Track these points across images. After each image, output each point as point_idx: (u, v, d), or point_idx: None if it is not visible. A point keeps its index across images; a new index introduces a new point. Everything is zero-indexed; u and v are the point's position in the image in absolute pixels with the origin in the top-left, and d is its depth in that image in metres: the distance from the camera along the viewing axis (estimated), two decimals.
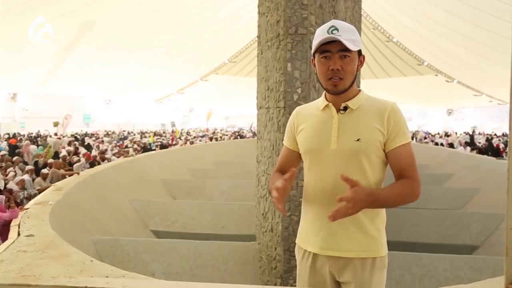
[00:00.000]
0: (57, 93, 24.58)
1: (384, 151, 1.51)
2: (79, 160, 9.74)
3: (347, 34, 1.43)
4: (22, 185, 6.61)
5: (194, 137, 22.36)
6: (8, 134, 19.30)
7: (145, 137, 21.68)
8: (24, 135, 19.52)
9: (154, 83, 25.35)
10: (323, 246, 1.54)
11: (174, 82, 26.65)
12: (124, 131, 27.14)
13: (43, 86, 21.59)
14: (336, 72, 1.45)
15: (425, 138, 23.01)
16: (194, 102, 35.79)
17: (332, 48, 1.44)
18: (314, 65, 1.55)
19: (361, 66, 1.55)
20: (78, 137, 19.40)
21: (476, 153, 12.73)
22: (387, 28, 20.20)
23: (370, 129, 1.48)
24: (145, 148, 14.26)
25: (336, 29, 1.43)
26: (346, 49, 1.43)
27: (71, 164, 9.35)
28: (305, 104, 1.74)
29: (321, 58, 1.48)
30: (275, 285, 3.28)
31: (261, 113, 3.69)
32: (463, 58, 19.18)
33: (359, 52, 1.50)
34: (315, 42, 1.48)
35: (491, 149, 14.51)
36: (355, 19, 3.89)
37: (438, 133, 27.20)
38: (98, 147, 14.27)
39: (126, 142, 17.54)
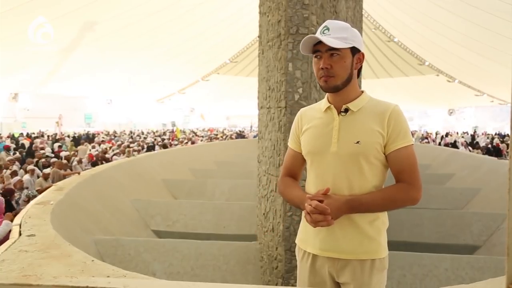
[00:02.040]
0: (58, 93, 24.61)
1: (384, 154, 1.51)
2: (81, 161, 9.75)
3: (337, 33, 1.45)
4: (20, 185, 6.60)
5: (202, 137, 22.77)
6: (22, 133, 20.06)
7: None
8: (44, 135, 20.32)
9: (155, 83, 25.35)
10: (322, 247, 1.54)
11: (175, 82, 26.64)
12: (124, 131, 27.19)
13: (44, 86, 21.60)
14: (326, 70, 1.47)
15: (426, 138, 22.94)
16: (195, 102, 35.79)
17: (321, 47, 1.48)
18: None
19: (359, 64, 1.55)
20: (76, 136, 19.63)
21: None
22: (388, 28, 20.16)
23: (370, 132, 1.48)
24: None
25: (328, 28, 1.46)
26: (334, 47, 1.44)
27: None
28: (309, 106, 1.74)
29: (314, 58, 1.52)
30: (276, 285, 3.28)
31: (262, 113, 3.69)
32: (465, 58, 19.14)
33: (354, 49, 1.50)
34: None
35: (491, 150, 14.48)
36: (356, 19, 3.89)
37: (437, 132, 27.11)
38: (93, 147, 14.29)
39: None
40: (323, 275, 1.57)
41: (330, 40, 1.43)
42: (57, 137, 19.10)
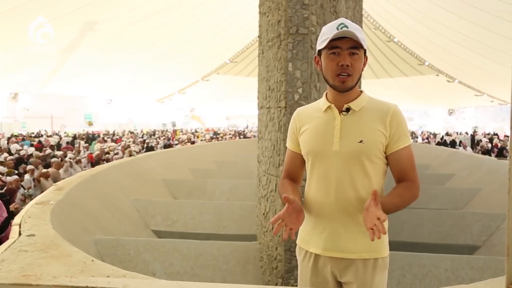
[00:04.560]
0: (58, 93, 24.60)
1: (385, 153, 1.51)
2: (80, 161, 9.75)
3: (356, 32, 1.44)
4: (16, 184, 6.59)
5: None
6: (32, 133, 20.43)
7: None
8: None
9: (155, 83, 25.35)
10: (326, 247, 1.54)
11: (175, 82, 26.64)
12: (124, 130, 27.21)
13: (44, 86, 21.59)
14: (346, 68, 1.45)
15: (427, 139, 22.95)
16: (195, 102, 35.77)
17: (342, 44, 1.45)
18: (317, 63, 1.55)
19: (364, 67, 1.56)
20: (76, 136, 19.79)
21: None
22: (388, 28, 20.14)
23: (373, 131, 1.48)
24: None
25: (346, 26, 1.44)
26: (356, 46, 1.44)
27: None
28: (306, 105, 1.73)
29: (330, 54, 1.48)
30: (276, 285, 3.28)
31: (262, 113, 3.69)
32: (465, 58, 19.12)
33: (365, 52, 1.51)
34: (324, 38, 1.47)
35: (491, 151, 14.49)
36: (356, 19, 3.89)
37: (434, 134, 27.09)
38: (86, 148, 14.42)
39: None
40: (326, 275, 1.57)
41: (359, 39, 1.42)
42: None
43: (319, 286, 1.58)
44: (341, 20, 1.48)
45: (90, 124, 24.89)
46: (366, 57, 1.54)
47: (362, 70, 1.54)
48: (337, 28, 1.44)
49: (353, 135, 1.49)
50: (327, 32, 1.47)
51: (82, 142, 15.94)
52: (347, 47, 1.45)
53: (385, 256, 1.55)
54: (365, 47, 1.47)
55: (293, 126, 1.68)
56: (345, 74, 1.46)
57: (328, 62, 1.49)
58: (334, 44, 1.45)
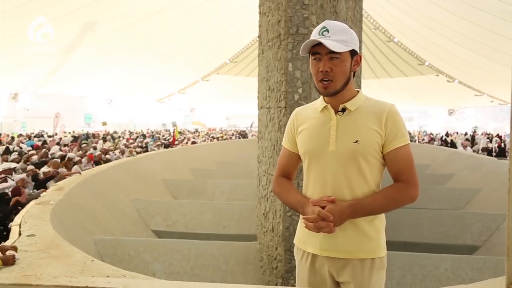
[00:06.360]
0: (58, 93, 24.61)
1: (382, 153, 1.51)
2: (80, 161, 9.74)
3: (337, 35, 1.43)
4: (22, 184, 6.58)
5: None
6: (33, 133, 20.28)
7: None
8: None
9: (155, 83, 25.36)
10: (322, 247, 1.54)
11: (175, 82, 26.65)
12: (124, 131, 27.21)
13: (44, 86, 21.60)
14: (326, 73, 1.45)
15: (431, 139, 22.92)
16: (195, 102, 35.80)
17: (321, 50, 1.45)
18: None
19: (357, 66, 1.54)
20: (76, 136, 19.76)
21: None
22: (388, 28, 20.14)
23: (368, 131, 1.48)
24: None
25: (327, 30, 1.44)
26: (334, 51, 1.43)
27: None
28: (304, 105, 1.74)
29: (313, 60, 1.49)
30: (276, 285, 3.28)
31: (262, 113, 3.69)
32: (465, 58, 19.13)
33: (353, 52, 1.50)
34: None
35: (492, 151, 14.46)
36: (356, 19, 3.89)
37: (426, 133, 27.09)
38: (95, 147, 14.37)
39: None
40: (323, 274, 1.57)
41: (332, 44, 1.40)
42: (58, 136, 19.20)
43: (317, 286, 1.59)
44: (324, 23, 1.47)
45: (104, 124, 24.96)
46: (358, 56, 1.53)
47: (353, 70, 1.53)
48: (319, 33, 1.45)
49: (349, 135, 1.49)
50: (312, 37, 1.48)
51: (101, 142, 15.95)
52: (326, 52, 1.44)
53: (382, 256, 1.55)
54: (344, 49, 1.44)
55: (290, 125, 1.69)
56: (327, 80, 1.46)
57: (312, 68, 1.51)
58: (314, 50, 1.46)
